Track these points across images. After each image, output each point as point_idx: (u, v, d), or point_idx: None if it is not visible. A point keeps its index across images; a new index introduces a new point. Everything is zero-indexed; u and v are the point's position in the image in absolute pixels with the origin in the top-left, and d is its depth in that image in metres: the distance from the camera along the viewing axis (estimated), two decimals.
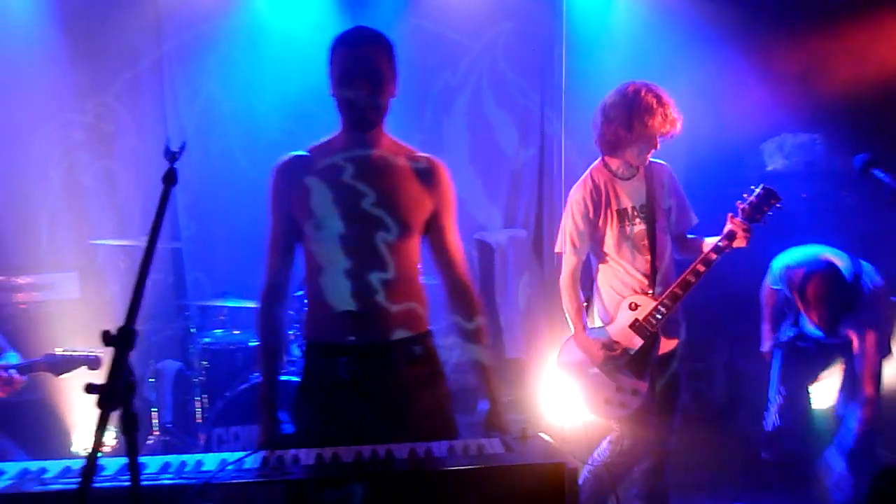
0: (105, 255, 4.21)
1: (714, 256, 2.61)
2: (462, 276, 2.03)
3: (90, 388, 1.21)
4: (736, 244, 2.61)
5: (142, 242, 3.91)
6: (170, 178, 1.56)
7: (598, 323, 2.83)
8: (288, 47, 4.40)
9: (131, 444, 1.22)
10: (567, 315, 2.79)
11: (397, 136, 5.08)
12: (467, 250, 4.62)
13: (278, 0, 4.52)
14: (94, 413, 1.20)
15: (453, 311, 2.04)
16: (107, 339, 1.23)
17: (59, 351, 2.69)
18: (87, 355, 2.70)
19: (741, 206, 2.63)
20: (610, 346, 2.68)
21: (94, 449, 1.15)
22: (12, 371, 2.57)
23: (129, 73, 4.45)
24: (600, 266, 2.79)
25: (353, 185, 1.91)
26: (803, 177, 4.54)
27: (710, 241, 2.73)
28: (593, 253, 2.81)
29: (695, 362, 4.47)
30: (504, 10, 4.77)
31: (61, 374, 2.68)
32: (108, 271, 4.23)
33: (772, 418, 3.34)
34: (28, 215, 4.27)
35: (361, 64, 1.86)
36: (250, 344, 3.80)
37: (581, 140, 4.34)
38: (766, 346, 3.56)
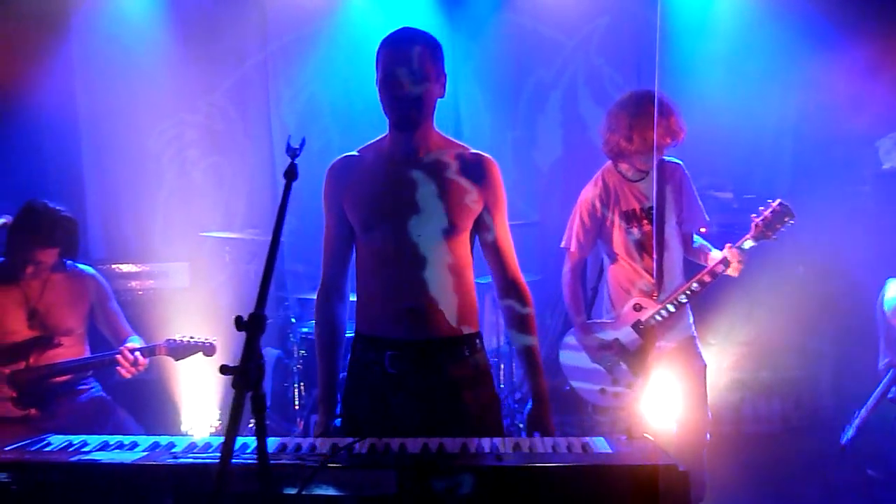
0: (212, 246, 4.45)
1: (709, 279, 2.71)
2: (513, 270, 2.03)
3: (225, 370, 1.29)
4: (729, 272, 2.69)
5: (246, 235, 4.14)
6: (291, 174, 1.65)
7: (603, 316, 2.93)
8: None
9: (260, 423, 1.29)
10: (567, 308, 2.89)
11: (491, 134, 5.09)
12: (560, 247, 4.60)
13: (377, 1, 4.64)
14: (231, 394, 1.27)
15: (503, 303, 2.03)
16: (239, 324, 1.31)
17: (178, 337, 2.86)
18: (204, 342, 2.87)
19: (755, 222, 2.68)
20: (607, 346, 2.81)
21: (231, 428, 1.22)
22: (137, 354, 2.76)
23: (237, 73, 4.71)
24: (610, 267, 2.88)
25: (401, 184, 1.92)
26: None
27: (714, 256, 2.78)
28: (603, 251, 2.91)
29: (796, 369, 4.26)
30: (601, 4, 4.71)
31: (180, 358, 2.86)
32: (214, 262, 4.47)
33: (849, 432, 3.17)
34: (145, 208, 4.59)
35: (401, 64, 1.86)
36: (347, 335, 3.92)
37: None
38: (882, 363, 3.36)
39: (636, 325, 2.77)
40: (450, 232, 1.92)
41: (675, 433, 2.84)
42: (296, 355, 3.96)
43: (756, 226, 2.68)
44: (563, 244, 2.92)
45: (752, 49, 4.39)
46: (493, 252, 2.02)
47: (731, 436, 3.99)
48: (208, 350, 2.88)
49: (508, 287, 2.02)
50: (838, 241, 3.66)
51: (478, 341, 2.00)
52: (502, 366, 4.19)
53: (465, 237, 1.97)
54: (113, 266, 4.11)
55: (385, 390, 1.93)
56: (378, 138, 2.02)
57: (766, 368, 4.18)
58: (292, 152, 1.68)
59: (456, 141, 2.02)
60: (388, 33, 1.93)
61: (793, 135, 4.66)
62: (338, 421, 1.99)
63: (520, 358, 2.04)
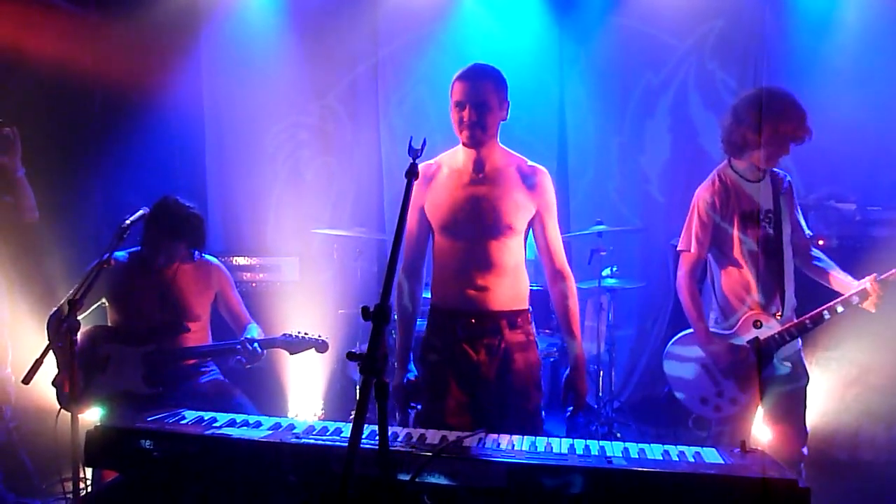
0: (321, 242, 4.66)
1: (841, 309, 2.58)
2: (560, 261, 2.41)
3: (352, 356, 1.38)
4: (865, 306, 2.55)
5: (353, 233, 4.28)
6: (412, 173, 1.73)
7: (709, 324, 2.81)
8: (493, 51, 4.54)
9: (382, 410, 1.36)
10: (687, 314, 2.77)
11: (596, 139, 5.00)
12: (664, 255, 4.47)
13: (487, 5, 4.70)
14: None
15: (553, 289, 2.41)
16: (366, 314, 1.39)
17: (294, 332, 3.01)
18: (318, 339, 3.01)
19: None
20: (735, 350, 2.69)
21: (358, 413, 1.29)
22: (256, 345, 2.92)
23: (349, 77, 4.90)
24: (723, 273, 2.76)
25: (470, 191, 2.33)
26: None
27: (847, 282, 2.63)
28: (717, 260, 2.78)
29: None
30: (715, 6, 4.55)
31: (294, 352, 3.01)
32: (323, 258, 4.67)
33: None
34: (258, 205, 4.86)
35: (470, 95, 2.28)
36: None
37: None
38: None
39: (753, 343, 2.67)
40: (508, 231, 2.32)
41: (770, 445, 2.73)
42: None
43: None
44: (679, 247, 2.81)
45: (880, 47, 4.13)
46: (545, 247, 2.42)
47: (847, 462, 3.76)
48: (321, 347, 3.02)
49: (556, 274, 2.41)
50: None
51: (528, 315, 2.41)
52: (601, 372, 4.13)
53: (520, 236, 2.37)
54: (230, 258, 4.37)
55: (455, 349, 2.35)
56: (452, 150, 2.43)
57: (886, 393, 3.92)
58: (414, 153, 1.77)
59: (515, 154, 2.42)
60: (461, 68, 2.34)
61: None
62: (412, 374, 2.41)
63: (565, 336, 2.40)
